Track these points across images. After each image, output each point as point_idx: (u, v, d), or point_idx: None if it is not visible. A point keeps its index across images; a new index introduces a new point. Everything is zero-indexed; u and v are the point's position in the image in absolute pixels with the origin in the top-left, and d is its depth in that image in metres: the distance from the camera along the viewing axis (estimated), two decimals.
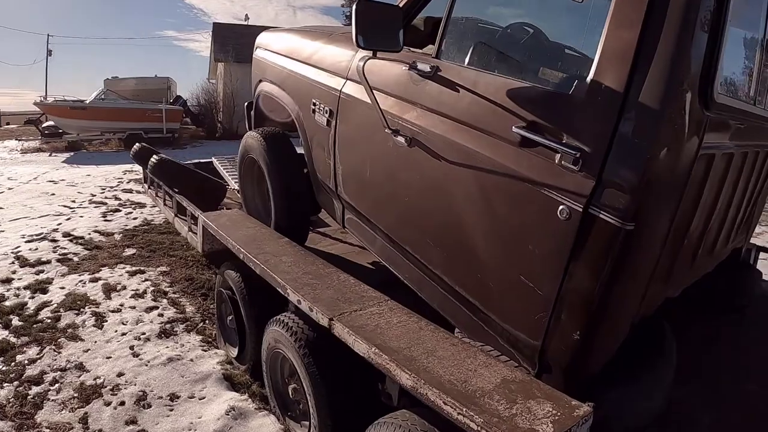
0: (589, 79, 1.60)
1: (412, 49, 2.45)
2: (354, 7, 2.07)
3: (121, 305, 4.39)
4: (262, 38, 3.96)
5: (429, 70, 2.19)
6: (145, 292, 4.67)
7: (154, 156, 5.60)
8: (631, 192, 1.49)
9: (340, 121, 2.76)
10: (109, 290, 4.69)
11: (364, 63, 2.49)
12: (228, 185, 5.59)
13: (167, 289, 4.72)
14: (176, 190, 5.11)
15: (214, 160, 6.60)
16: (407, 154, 2.27)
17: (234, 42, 20.09)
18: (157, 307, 4.36)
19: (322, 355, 2.42)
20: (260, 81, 3.73)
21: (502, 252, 1.90)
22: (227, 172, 6.06)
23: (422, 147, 2.19)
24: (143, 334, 3.90)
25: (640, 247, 1.60)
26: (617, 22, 1.56)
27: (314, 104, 2.95)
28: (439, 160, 2.12)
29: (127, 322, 4.10)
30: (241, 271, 3.22)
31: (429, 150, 2.17)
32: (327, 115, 2.84)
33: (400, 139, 2.28)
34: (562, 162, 1.63)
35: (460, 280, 2.13)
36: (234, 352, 3.48)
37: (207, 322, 4.14)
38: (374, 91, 2.42)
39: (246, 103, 4.08)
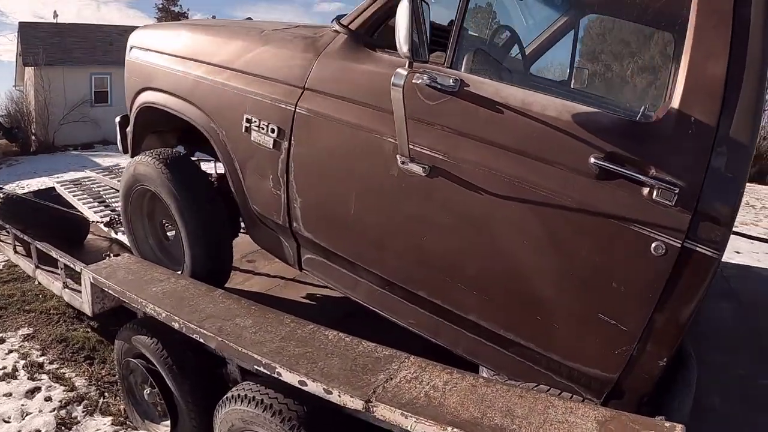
0: (674, 109, 1.57)
1: (387, 51, 2.07)
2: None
3: None
4: (141, 37, 3.06)
5: (452, 84, 1.82)
6: (15, 369, 3.59)
7: None
8: (726, 224, 1.53)
9: (298, 142, 2.21)
10: None
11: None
12: (92, 219, 4.35)
13: (41, 360, 3.69)
14: (30, 234, 3.86)
15: (56, 185, 5.19)
16: (426, 186, 1.91)
17: (44, 43, 17.80)
18: (40, 389, 3.38)
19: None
20: (142, 90, 2.89)
21: (576, 292, 1.76)
22: (78, 199, 4.76)
23: (450, 177, 1.86)
24: None
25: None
26: (701, 53, 1.55)
27: (248, 121, 2.33)
28: (478, 193, 1.82)
29: (10, 418, 3.10)
30: (158, 335, 2.59)
31: (462, 181, 1.84)
32: (273, 135, 2.26)
33: (415, 167, 1.88)
34: (653, 196, 1.57)
35: (507, 323, 1.93)
36: (163, 429, 2.82)
37: (107, 395, 3.33)
38: (358, 107, 2.01)
39: (118, 118, 3.16)
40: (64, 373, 3.53)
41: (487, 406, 1.74)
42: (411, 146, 1.87)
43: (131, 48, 3.06)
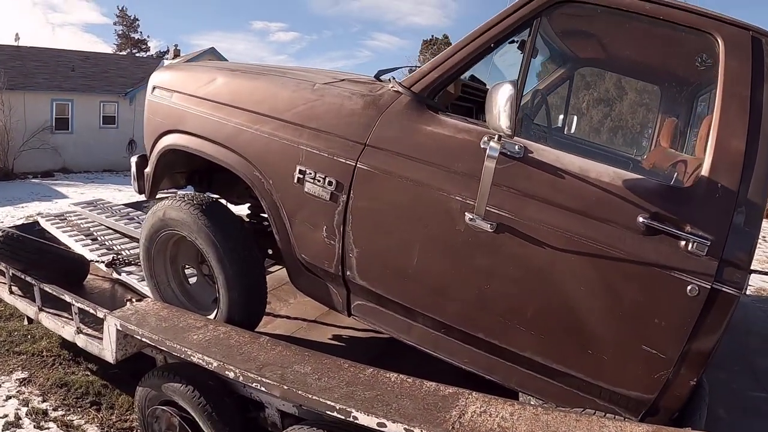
0: (704, 177, 1.93)
1: (450, 114, 2.27)
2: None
3: None
4: (166, 77, 2.97)
5: (518, 150, 2.06)
6: (18, 417, 3.37)
7: None
8: (744, 268, 1.89)
9: (358, 196, 2.31)
10: None
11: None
12: (90, 258, 4.02)
13: (44, 406, 3.48)
14: (31, 274, 3.54)
15: (41, 220, 4.80)
16: (492, 240, 2.11)
17: (5, 66, 16.77)
18: None
19: None
20: (167, 132, 2.83)
21: (624, 328, 2.06)
22: (69, 235, 4.42)
23: (516, 233, 2.08)
24: None
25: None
26: (726, 131, 1.92)
27: (302, 173, 2.40)
28: (540, 247, 2.06)
29: None
30: (192, 381, 2.57)
31: (526, 236, 2.08)
32: (331, 188, 2.35)
33: (483, 224, 2.07)
34: (689, 248, 1.90)
35: (561, 358, 2.18)
36: None
37: None
38: (424, 166, 2.19)
39: (135, 158, 3.03)
40: (72, 421, 3.37)
41: (553, 431, 1.96)
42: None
43: (154, 88, 2.98)
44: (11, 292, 3.79)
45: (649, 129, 3.39)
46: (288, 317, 3.40)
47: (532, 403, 2.32)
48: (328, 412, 2.14)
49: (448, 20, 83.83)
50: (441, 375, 2.36)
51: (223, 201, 3.13)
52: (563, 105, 3.32)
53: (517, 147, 2.06)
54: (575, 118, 3.43)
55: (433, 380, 2.26)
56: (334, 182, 2.34)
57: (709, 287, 1.87)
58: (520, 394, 2.36)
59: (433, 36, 35.89)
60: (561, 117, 3.36)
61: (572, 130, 3.38)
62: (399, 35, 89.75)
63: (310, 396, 2.16)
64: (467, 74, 2.78)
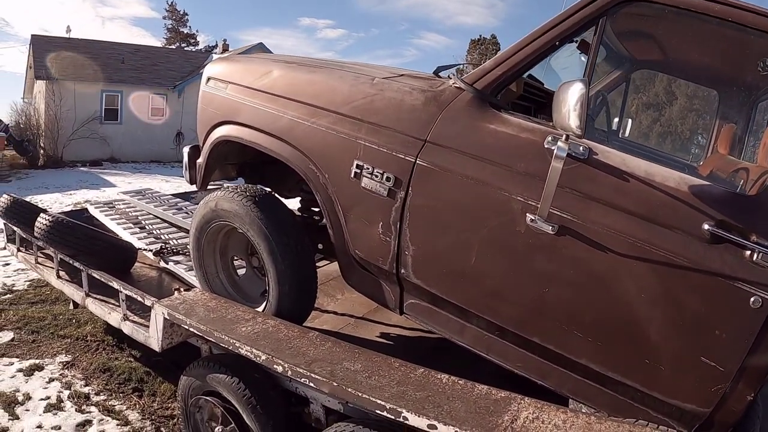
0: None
1: (513, 113, 2.23)
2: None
3: (40, 426, 3.16)
4: (221, 69, 3.00)
5: (582, 152, 2.01)
6: (60, 400, 3.44)
7: (45, 216, 3.71)
8: None
9: (416, 193, 2.29)
10: (9, 404, 3.34)
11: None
12: (138, 247, 4.07)
13: (86, 390, 3.55)
14: (80, 260, 3.61)
15: (90, 207, 4.91)
16: (553, 243, 2.06)
17: (57, 57, 17.66)
18: (91, 422, 3.24)
19: None
20: (221, 123, 2.85)
21: (683, 338, 1.99)
22: (117, 223, 4.49)
23: (578, 236, 2.02)
24: None
25: None
26: None
27: (359, 167, 2.39)
28: (602, 251, 2.00)
29: None
30: (238, 373, 2.59)
31: (588, 240, 2.01)
32: (389, 184, 2.33)
33: (545, 226, 2.03)
34: (754, 258, 1.82)
35: (617, 366, 2.12)
36: None
37: (164, 430, 3.25)
38: (486, 164, 2.15)
39: (187, 149, 3.07)
40: (114, 406, 3.43)
41: None
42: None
43: (209, 79, 3.01)
44: (59, 277, 3.88)
45: (703, 135, 3.29)
46: (336, 313, 3.38)
47: (583, 411, 2.28)
48: (378, 411, 2.11)
49: (495, 20, 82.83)
50: (486, 378, 2.31)
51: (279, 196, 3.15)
52: (618, 108, 3.25)
53: (581, 148, 2.01)
54: (629, 121, 3.36)
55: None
56: (392, 178, 2.32)
57: None
58: (570, 401, 2.31)
59: (480, 36, 35.69)
60: (616, 120, 3.30)
61: (626, 134, 3.31)
62: (446, 34, 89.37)
63: (360, 394, 2.14)
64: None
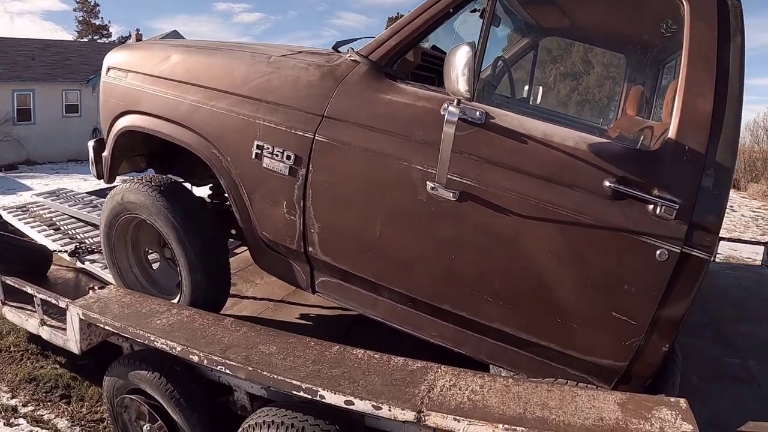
0: (671, 139, 1.89)
1: (409, 82, 2.22)
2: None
3: None
4: (121, 57, 2.87)
5: (479, 116, 2.00)
6: None
7: None
8: (714, 231, 1.87)
9: (317, 169, 2.26)
10: None
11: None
12: (53, 249, 3.89)
13: (13, 403, 3.39)
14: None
15: (2, 213, 4.63)
16: (456, 209, 2.07)
17: None
18: None
19: None
20: (123, 114, 2.74)
21: (593, 295, 2.03)
22: (31, 226, 4.29)
23: (479, 201, 2.04)
24: None
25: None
26: (692, 93, 1.89)
27: (260, 147, 2.33)
28: (506, 215, 2.02)
29: None
30: (159, 368, 2.52)
31: (490, 204, 2.03)
32: (289, 162, 2.29)
33: (446, 193, 2.03)
34: (657, 212, 1.86)
35: (531, 328, 2.16)
36: None
37: None
38: (384, 135, 2.14)
39: (92, 142, 2.94)
40: (42, 416, 3.30)
41: (524, 402, 1.95)
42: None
43: (109, 69, 2.89)
44: None
45: (616, 100, 3.37)
46: (255, 298, 3.35)
47: (503, 375, 2.31)
48: (295, 392, 2.10)
49: None
50: (417, 353, 2.32)
51: (188, 184, 3.07)
52: (531, 76, 3.29)
53: (478, 113, 2.01)
54: (541, 89, 3.41)
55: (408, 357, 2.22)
56: (292, 156, 2.28)
57: (679, 251, 1.85)
58: (491, 366, 2.34)
59: (398, 13, 34.81)
60: (526, 88, 3.33)
61: (538, 101, 3.35)
62: (365, 13, 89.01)
63: (275, 376, 2.11)
64: (430, 45, 2.74)
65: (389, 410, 1.93)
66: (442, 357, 2.28)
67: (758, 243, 4.61)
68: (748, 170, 17.60)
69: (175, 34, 21.10)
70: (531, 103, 3.31)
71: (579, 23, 3.12)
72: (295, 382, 2.07)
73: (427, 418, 1.89)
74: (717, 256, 4.51)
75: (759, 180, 17.06)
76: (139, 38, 23.07)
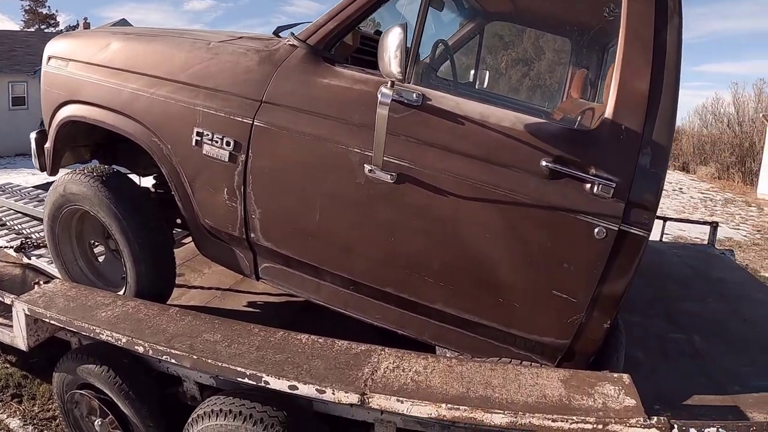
0: (608, 119, 1.91)
1: (347, 66, 2.22)
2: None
3: None
4: (62, 46, 2.80)
5: (416, 98, 2.01)
6: None
7: None
8: (652, 209, 1.90)
9: (256, 155, 2.25)
10: None
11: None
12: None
13: None
14: None
15: None
16: (393, 192, 2.08)
17: None
18: None
19: None
20: (65, 104, 2.68)
21: (533, 274, 2.07)
22: None
23: (417, 183, 2.05)
24: None
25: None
26: (629, 72, 1.90)
27: (200, 134, 2.31)
28: (443, 196, 2.04)
29: None
30: (106, 361, 2.49)
31: (427, 185, 2.05)
32: (229, 148, 2.27)
33: (383, 175, 2.04)
34: (594, 191, 1.89)
35: (472, 308, 2.19)
36: None
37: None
38: (321, 119, 2.14)
39: (34, 134, 2.89)
40: None
41: (467, 381, 1.98)
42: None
43: (49, 58, 2.82)
44: None
45: (563, 84, 3.41)
46: (202, 287, 3.32)
47: (448, 355, 2.34)
48: (240, 379, 2.09)
49: None
50: (370, 337, 2.35)
51: (135, 175, 3.02)
52: (477, 61, 3.31)
53: (414, 95, 2.01)
54: (487, 73, 3.44)
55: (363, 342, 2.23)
56: (231, 142, 2.27)
57: (617, 229, 1.88)
58: (437, 347, 2.37)
59: None
60: (472, 72, 3.36)
61: (485, 86, 3.38)
62: (318, 0, 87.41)
63: (219, 364, 2.10)
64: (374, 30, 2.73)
65: (333, 393, 1.94)
66: (396, 341, 2.29)
67: (705, 223, 4.73)
68: (697, 154, 18.05)
69: (123, 23, 20.52)
70: (477, 87, 3.34)
71: (523, 8, 3.15)
72: (239, 368, 2.06)
73: (370, 400, 1.91)
74: (665, 236, 4.61)
75: (707, 163, 17.54)
76: (87, 27, 22.45)
